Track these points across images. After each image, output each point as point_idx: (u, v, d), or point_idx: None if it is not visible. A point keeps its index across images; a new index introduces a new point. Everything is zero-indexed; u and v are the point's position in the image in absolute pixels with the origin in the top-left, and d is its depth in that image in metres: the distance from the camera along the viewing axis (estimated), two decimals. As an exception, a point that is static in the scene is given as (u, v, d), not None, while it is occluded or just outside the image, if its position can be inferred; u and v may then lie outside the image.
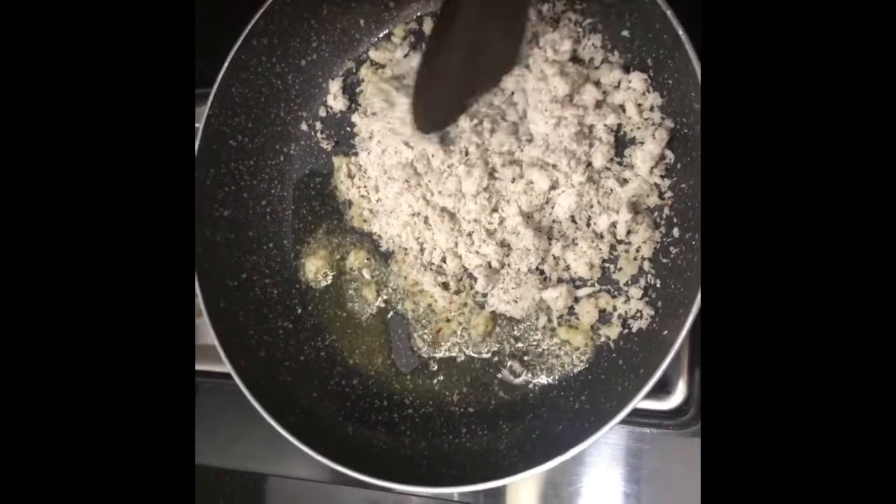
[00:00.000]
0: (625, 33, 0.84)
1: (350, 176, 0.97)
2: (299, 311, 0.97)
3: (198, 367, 1.06)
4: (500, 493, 0.95)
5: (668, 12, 0.73)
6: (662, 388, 0.84)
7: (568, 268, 0.85)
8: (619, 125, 0.84)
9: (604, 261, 0.84)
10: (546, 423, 0.82)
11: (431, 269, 0.89)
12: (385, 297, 0.94)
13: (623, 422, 0.71)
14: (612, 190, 0.83)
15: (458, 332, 0.89)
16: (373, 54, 0.99)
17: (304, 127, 1.02)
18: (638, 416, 0.87)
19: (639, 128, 0.83)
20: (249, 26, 0.91)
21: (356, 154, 0.97)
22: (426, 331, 0.91)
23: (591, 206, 0.83)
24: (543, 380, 0.84)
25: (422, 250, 0.90)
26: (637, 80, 0.82)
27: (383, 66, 0.98)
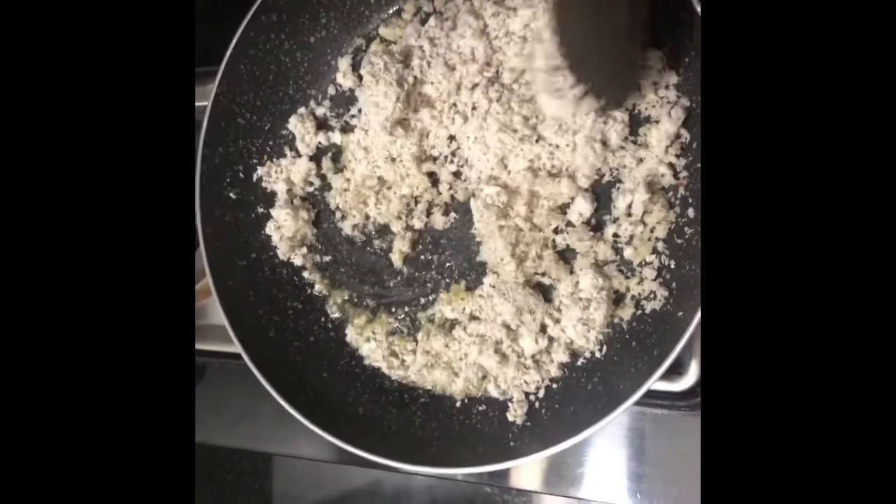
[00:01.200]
0: (640, 10, 0.82)
1: (356, 156, 0.96)
2: (309, 290, 0.96)
3: (205, 346, 1.06)
4: (504, 472, 0.94)
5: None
6: (674, 370, 0.84)
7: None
8: (634, 104, 0.83)
9: (617, 240, 0.83)
10: (558, 404, 0.81)
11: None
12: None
13: (634, 403, 0.71)
14: (626, 167, 0.82)
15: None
16: (382, 31, 0.98)
17: (312, 104, 1.00)
18: (649, 398, 0.86)
19: (654, 106, 0.81)
20: (258, 2, 0.90)
21: (365, 132, 0.96)
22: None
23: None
24: (557, 359, 0.83)
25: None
26: (653, 57, 0.81)
27: (393, 43, 0.96)
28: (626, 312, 0.81)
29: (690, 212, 0.78)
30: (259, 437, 1.07)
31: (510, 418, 0.82)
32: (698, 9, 0.71)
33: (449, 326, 0.88)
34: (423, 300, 0.91)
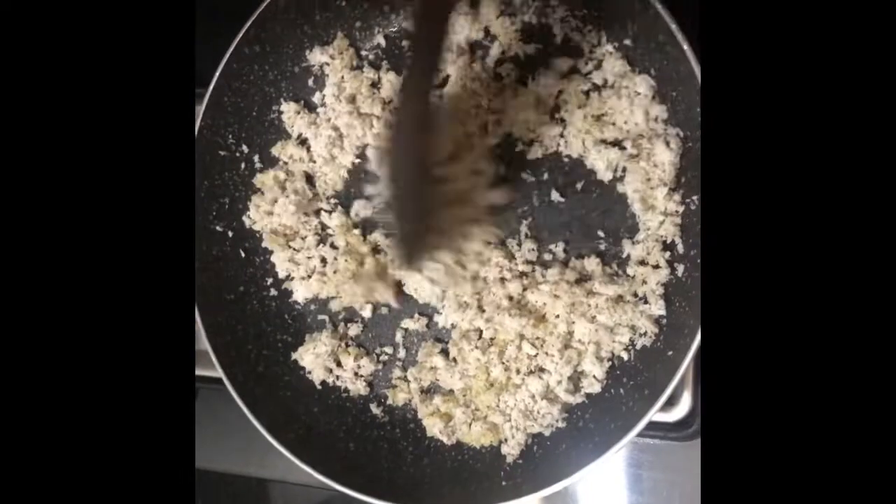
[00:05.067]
0: (627, 42, 0.81)
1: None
2: (298, 324, 0.95)
3: (199, 372, 1.05)
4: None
5: (673, 26, 0.71)
6: (667, 400, 0.83)
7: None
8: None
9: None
10: (550, 442, 0.81)
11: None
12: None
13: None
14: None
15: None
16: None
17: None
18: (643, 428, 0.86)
19: (644, 137, 0.80)
20: (241, 34, 0.89)
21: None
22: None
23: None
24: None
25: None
26: (644, 84, 0.80)
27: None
28: (617, 347, 0.80)
29: (680, 247, 0.78)
30: (255, 463, 1.07)
31: (503, 451, 0.82)
32: (685, 46, 0.71)
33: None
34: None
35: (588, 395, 0.81)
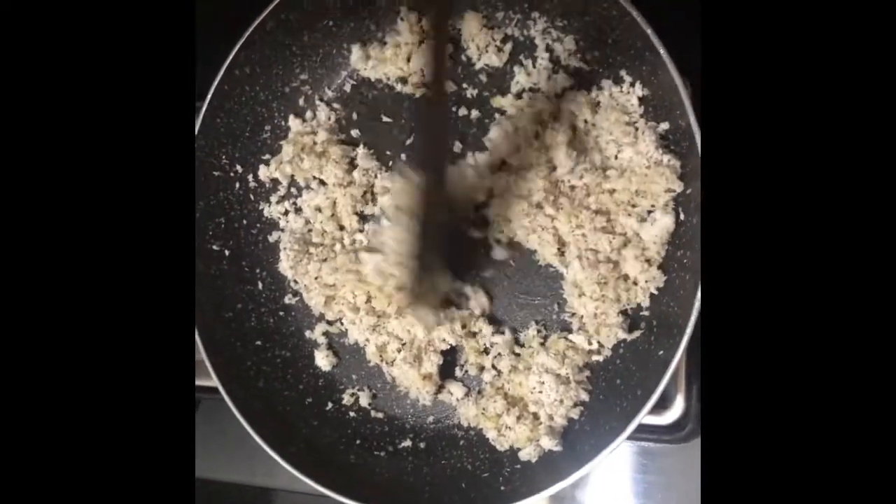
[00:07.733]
0: (606, 50, 0.83)
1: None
2: (296, 339, 0.97)
3: (204, 383, 1.06)
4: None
5: (648, 31, 0.73)
6: (660, 403, 0.83)
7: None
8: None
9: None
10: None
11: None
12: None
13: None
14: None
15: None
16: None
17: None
18: (636, 431, 0.86)
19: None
20: (230, 57, 0.90)
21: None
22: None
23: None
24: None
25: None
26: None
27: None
28: (608, 350, 0.82)
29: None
30: (258, 473, 1.07)
31: (523, 458, 0.82)
32: (661, 51, 0.72)
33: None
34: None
35: (581, 398, 0.82)
